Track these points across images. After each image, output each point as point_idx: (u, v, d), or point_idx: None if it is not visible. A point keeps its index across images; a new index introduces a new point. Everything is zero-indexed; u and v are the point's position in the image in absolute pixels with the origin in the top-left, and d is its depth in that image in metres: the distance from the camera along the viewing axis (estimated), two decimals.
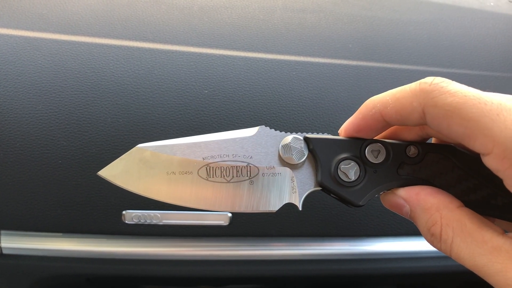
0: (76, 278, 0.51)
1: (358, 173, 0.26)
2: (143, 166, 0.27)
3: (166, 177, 0.27)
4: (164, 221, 0.45)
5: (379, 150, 0.26)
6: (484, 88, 0.55)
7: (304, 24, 0.50)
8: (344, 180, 0.26)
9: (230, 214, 0.45)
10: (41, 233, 0.46)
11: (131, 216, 0.45)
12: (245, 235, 0.47)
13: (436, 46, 0.51)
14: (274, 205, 0.27)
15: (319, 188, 0.28)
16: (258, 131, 0.28)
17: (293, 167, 0.27)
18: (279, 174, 0.28)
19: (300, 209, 0.28)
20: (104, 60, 0.44)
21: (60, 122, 0.43)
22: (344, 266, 0.49)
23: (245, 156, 0.27)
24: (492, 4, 0.62)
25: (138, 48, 0.45)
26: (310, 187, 0.28)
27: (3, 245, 0.46)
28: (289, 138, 0.27)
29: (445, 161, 0.26)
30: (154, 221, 0.45)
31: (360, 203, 0.26)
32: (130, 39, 0.45)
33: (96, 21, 0.46)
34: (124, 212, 0.44)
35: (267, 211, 0.27)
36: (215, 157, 0.27)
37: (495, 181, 0.23)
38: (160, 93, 0.44)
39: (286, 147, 0.27)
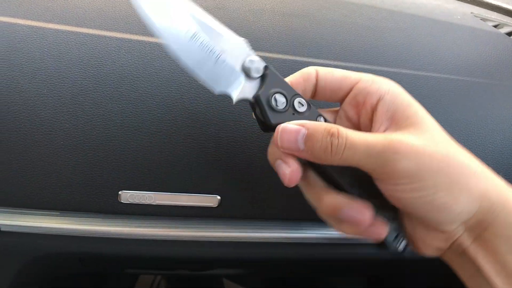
0: (69, 257, 0.54)
1: (284, 106, 0.35)
2: None
3: None
4: (157, 201, 0.48)
5: (303, 104, 0.36)
6: (451, 89, 0.60)
7: (290, 26, 0.55)
8: (273, 104, 0.35)
9: (219, 197, 0.49)
10: (38, 211, 0.48)
11: (127, 196, 0.48)
12: (234, 218, 0.51)
13: (408, 51, 0.57)
14: (220, 81, 0.36)
15: (252, 99, 0.36)
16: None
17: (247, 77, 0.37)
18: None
19: (234, 102, 0.36)
20: (106, 50, 0.48)
21: (63, 105, 0.46)
22: (339, 250, 0.53)
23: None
24: (459, 17, 0.68)
25: (139, 41, 0.49)
26: (248, 95, 0.36)
27: (1, 222, 0.48)
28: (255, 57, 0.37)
29: None
30: (148, 202, 0.48)
31: (272, 122, 0.35)
32: (131, 33, 0.49)
33: (99, 15, 0.50)
34: (120, 192, 0.47)
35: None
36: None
37: None
38: (160, 81, 0.47)
39: (251, 61, 0.36)
